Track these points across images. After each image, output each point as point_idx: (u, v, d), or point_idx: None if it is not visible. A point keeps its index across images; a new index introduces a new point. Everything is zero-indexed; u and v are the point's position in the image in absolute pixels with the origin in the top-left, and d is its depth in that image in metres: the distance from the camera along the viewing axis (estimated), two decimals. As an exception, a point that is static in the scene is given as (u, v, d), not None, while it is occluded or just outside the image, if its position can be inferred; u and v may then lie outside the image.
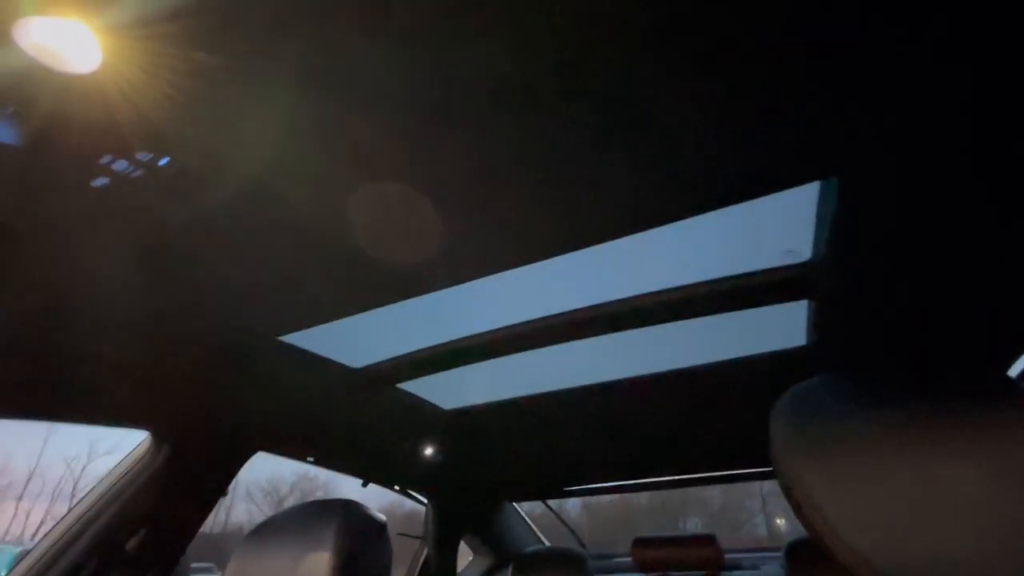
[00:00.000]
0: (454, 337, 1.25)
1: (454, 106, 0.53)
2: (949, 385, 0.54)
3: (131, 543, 1.09)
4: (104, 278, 0.77)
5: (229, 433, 1.27)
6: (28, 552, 1.08)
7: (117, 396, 1.03)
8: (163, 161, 0.43)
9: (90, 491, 1.16)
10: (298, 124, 0.49)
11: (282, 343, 1.16)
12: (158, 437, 1.16)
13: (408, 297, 0.99)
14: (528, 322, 1.19)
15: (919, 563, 0.43)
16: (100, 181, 0.43)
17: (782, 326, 1.27)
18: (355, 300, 1.00)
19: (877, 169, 0.66)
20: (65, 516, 1.13)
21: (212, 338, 1.01)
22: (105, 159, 0.42)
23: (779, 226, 1.02)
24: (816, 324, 1.09)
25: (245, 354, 1.09)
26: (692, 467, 2.06)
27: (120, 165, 0.42)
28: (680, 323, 1.16)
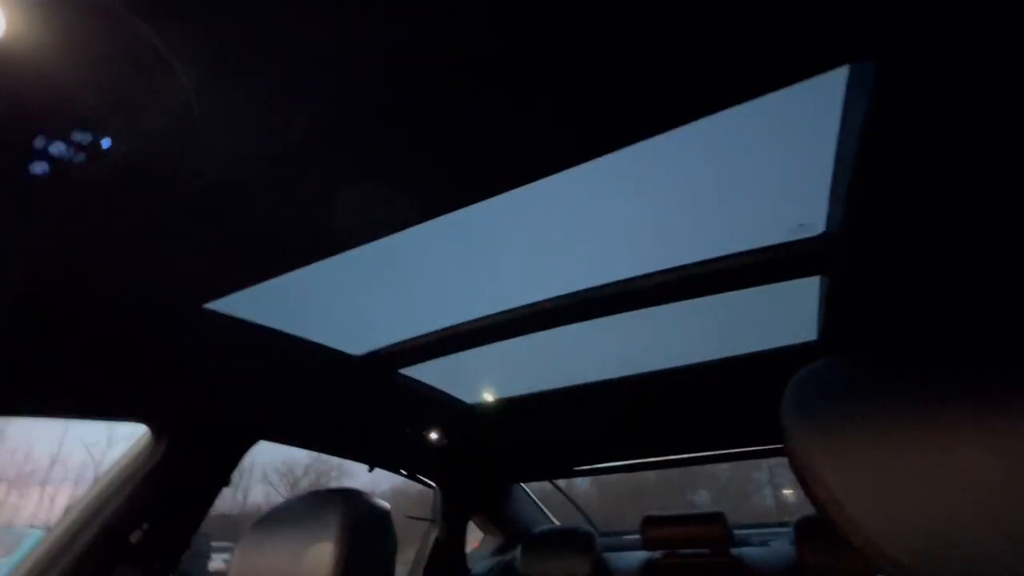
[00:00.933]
0: (456, 322, 1.22)
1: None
2: (967, 368, 0.52)
3: (135, 535, 1.08)
4: (68, 270, 0.73)
5: (228, 424, 1.26)
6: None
7: (111, 391, 1.01)
8: (106, 143, 0.38)
9: (93, 485, 1.16)
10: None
11: (279, 331, 1.13)
12: (156, 431, 1.15)
13: (334, 253, 0.88)
14: (530, 305, 1.15)
15: (930, 547, 0.42)
16: (40, 167, 0.39)
17: (792, 321, 1.24)
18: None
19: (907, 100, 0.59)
20: (70, 510, 1.13)
21: (200, 327, 0.98)
22: (38, 142, 0.37)
23: (791, 197, 0.96)
24: (829, 303, 1.05)
25: (239, 343, 1.06)
26: (701, 445, 2.04)
27: (57, 148, 0.37)
28: (692, 317, 1.12)
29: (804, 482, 0.52)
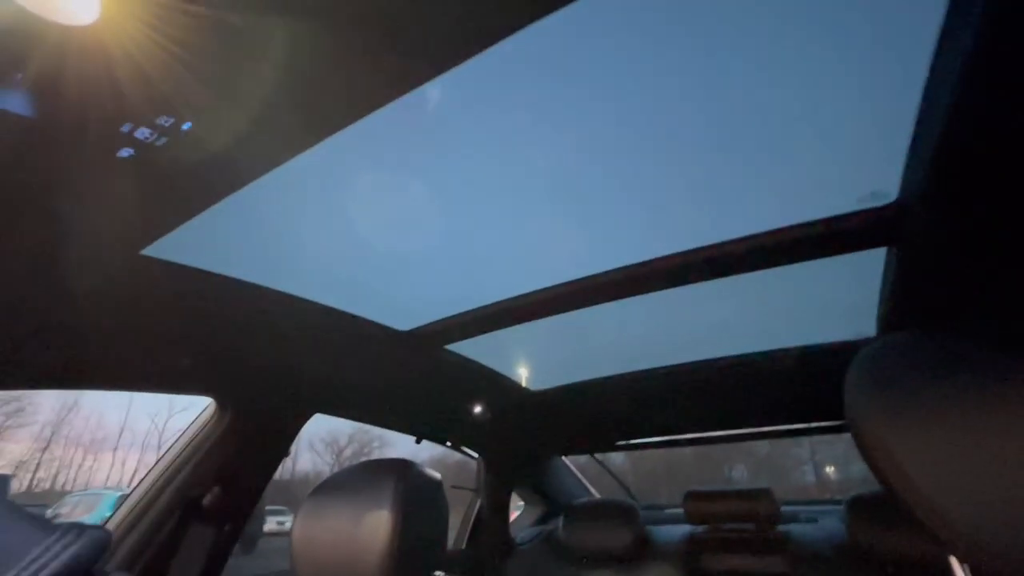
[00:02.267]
0: (501, 298, 1.22)
1: None
2: None
3: (207, 499, 1.16)
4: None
5: (286, 398, 1.32)
6: (126, 496, 1.19)
7: (177, 366, 1.07)
8: (185, 126, 0.39)
9: (166, 452, 1.24)
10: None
11: (331, 308, 1.16)
12: (221, 403, 1.22)
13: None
14: (576, 281, 1.13)
15: (1010, 526, 0.40)
16: (126, 152, 0.40)
17: (846, 314, 1.18)
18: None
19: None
20: (147, 475, 1.22)
21: (259, 307, 1.02)
22: (125, 127, 0.38)
23: (862, 163, 0.90)
24: (893, 281, 0.98)
25: (294, 319, 1.10)
26: (743, 423, 2.01)
27: (143, 133, 0.38)
28: (746, 309, 1.08)
29: (872, 459, 0.50)
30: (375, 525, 0.90)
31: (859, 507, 1.58)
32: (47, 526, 0.38)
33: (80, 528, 0.38)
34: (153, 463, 1.23)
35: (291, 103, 0.48)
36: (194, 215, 0.61)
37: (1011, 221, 0.76)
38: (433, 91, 0.65)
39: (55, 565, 0.34)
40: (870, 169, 0.87)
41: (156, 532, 1.11)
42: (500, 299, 1.23)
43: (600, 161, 1.02)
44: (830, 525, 1.79)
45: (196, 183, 0.52)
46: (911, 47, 0.64)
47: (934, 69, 0.63)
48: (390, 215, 1.13)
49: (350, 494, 0.97)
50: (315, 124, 0.52)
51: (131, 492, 1.20)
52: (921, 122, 0.68)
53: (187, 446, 1.21)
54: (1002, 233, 0.78)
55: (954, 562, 0.57)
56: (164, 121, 0.38)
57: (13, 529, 0.36)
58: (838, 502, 1.98)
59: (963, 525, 0.42)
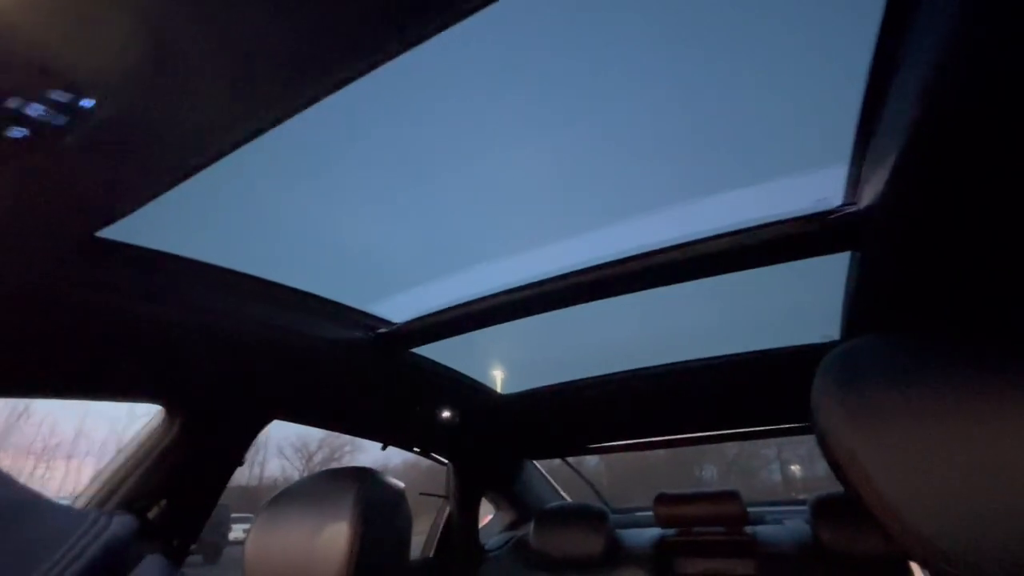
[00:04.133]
0: (468, 299, 1.19)
1: None
2: (1012, 346, 0.48)
3: (153, 513, 1.09)
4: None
5: (242, 404, 1.25)
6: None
7: (120, 370, 1.00)
8: (85, 103, 0.35)
9: (110, 462, 1.17)
10: None
11: (286, 309, 1.11)
12: (170, 410, 1.15)
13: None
14: (542, 282, 1.11)
15: (973, 533, 0.40)
16: (18, 132, 0.35)
17: (811, 319, 1.20)
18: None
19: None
20: (89, 486, 1.14)
21: (208, 303, 0.96)
22: (12, 102, 0.33)
23: (826, 170, 0.90)
24: (859, 282, 0.99)
25: (249, 321, 1.04)
26: (713, 425, 2.03)
27: (35, 110, 0.34)
28: (709, 310, 1.08)
29: (835, 463, 0.49)
30: (333, 537, 0.86)
31: (823, 508, 1.60)
32: (78, 512, 0.40)
33: (108, 514, 0.41)
34: (94, 477, 1.15)
35: (234, 76, 0.44)
36: (128, 200, 0.56)
37: (971, 225, 0.77)
38: (401, 75, 0.61)
39: (94, 549, 0.37)
40: (834, 175, 0.88)
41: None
42: (468, 301, 1.20)
43: (570, 164, 1.01)
44: (796, 526, 1.82)
45: (121, 166, 0.48)
46: (878, 61, 0.65)
47: (895, 81, 0.63)
48: (354, 211, 1.09)
49: (308, 505, 0.93)
50: (263, 103, 0.48)
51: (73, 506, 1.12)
52: (882, 129, 0.69)
53: (132, 457, 1.13)
54: (963, 237, 0.80)
55: (914, 566, 0.57)
56: (59, 96, 0.34)
57: (48, 515, 0.38)
58: (804, 502, 2.02)
59: (923, 531, 0.41)
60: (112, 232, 0.72)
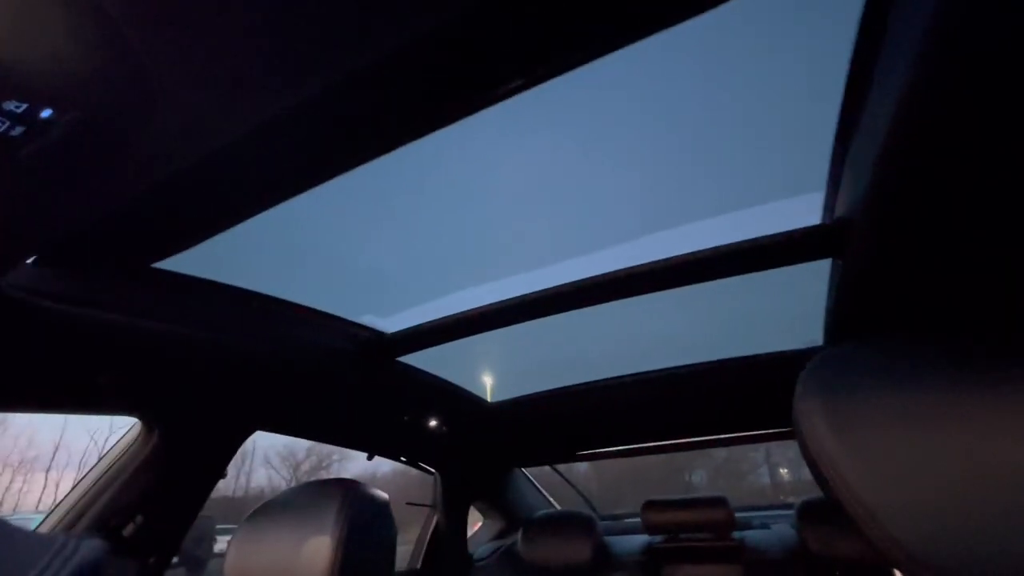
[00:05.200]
0: (455, 311, 1.19)
1: None
2: (988, 350, 0.50)
3: (128, 529, 1.06)
4: None
5: (221, 415, 1.22)
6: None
7: (94, 382, 0.97)
8: (44, 114, 0.33)
9: (84, 477, 1.13)
10: None
11: (270, 318, 1.09)
12: (147, 422, 1.12)
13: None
14: (533, 292, 1.11)
15: (948, 539, 0.40)
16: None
17: (796, 326, 1.22)
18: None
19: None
20: (61, 502, 1.10)
21: (188, 313, 0.94)
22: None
23: (808, 181, 0.92)
24: (840, 289, 1.01)
25: (231, 330, 1.02)
26: (701, 431, 2.03)
27: (-6, 121, 0.32)
28: (702, 319, 1.10)
29: (816, 469, 0.49)
30: (316, 549, 0.84)
31: (809, 512, 1.61)
32: (42, 538, 0.38)
33: (76, 541, 0.39)
34: (67, 493, 1.11)
35: (198, 87, 0.43)
36: (92, 210, 0.55)
37: (948, 232, 0.79)
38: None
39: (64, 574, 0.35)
40: (816, 186, 0.90)
41: None
42: (454, 311, 1.19)
43: (559, 181, 1.02)
44: (783, 531, 1.83)
45: (83, 177, 0.46)
46: (852, 82, 0.68)
47: (869, 97, 0.65)
48: (339, 220, 1.08)
49: (290, 517, 0.91)
50: (236, 113, 0.48)
51: (42, 523, 1.08)
52: (858, 143, 0.70)
53: (106, 472, 1.10)
54: (940, 243, 0.81)
55: (897, 573, 0.57)
56: (12, 107, 0.33)
57: (8, 542, 0.37)
58: (790, 506, 2.03)
59: (901, 537, 0.42)
60: (63, 248, 0.70)
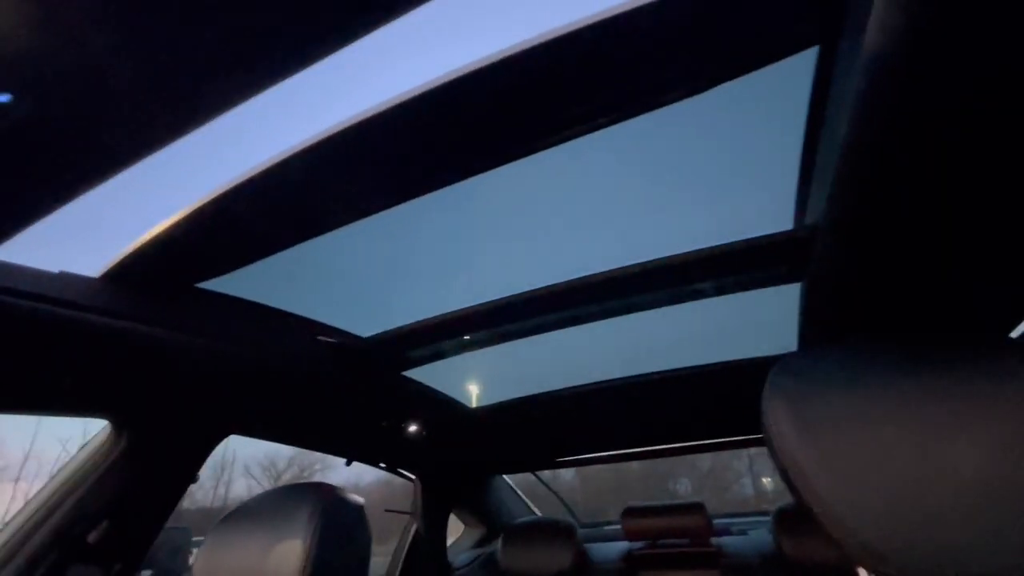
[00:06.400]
0: (434, 314, 1.18)
1: None
2: (948, 353, 0.51)
3: (92, 536, 1.03)
4: None
5: (195, 418, 1.20)
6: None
7: (66, 384, 0.94)
8: (3, 98, 0.33)
9: (48, 482, 1.10)
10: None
11: (247, 320, 1.08)
12: (116, 424, 1.09)
13: None
14: (512, 296, 1.12)
15: (907, 537, 0.42)
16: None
17: (772, 331, 1.25)
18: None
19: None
20: (23, 508, 1.07)
21: (159, 312, 0.92)
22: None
23: (779, 191, 0.94)
24: (810, 295, 1.03)
25: (205, 332, 1.01)
26: (683, 437, 2.05)
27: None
28: (675, 324, 1.13)
29: (783, 472, 0.51)
30: (285, 555, 0.83)
31: (785, 518, 1.63)
32: None
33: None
34: (29, 499, 1.08)
35: (157, 80, 0.43)
36: (50, 204, 0.54)
37: (913, 241, 0.81)
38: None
39: None
40: (786, 196, 0.93)
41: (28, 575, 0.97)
42: (433, 315, 1.19)
43: (534, 180, 1.03)
44: (760, 537, 1.85)
45: (42, 167, 0.46)
46: (816, 100, 0.72)
47: (827, 112, 0.69)
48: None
49: (261, 522, 0.90)
50: (198, 106, 0.47)
51: (2, 532, 1.05)
52: (822, 157, 0.73)
53: (74, 474, 1.07)
54: (906, 252, 0.84)
55: (862, 572, 0.58)
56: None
57: None
58: (767, 513, 2.05)
59: (863, 536, 0.43)
60: (20, 244, 0.69)
